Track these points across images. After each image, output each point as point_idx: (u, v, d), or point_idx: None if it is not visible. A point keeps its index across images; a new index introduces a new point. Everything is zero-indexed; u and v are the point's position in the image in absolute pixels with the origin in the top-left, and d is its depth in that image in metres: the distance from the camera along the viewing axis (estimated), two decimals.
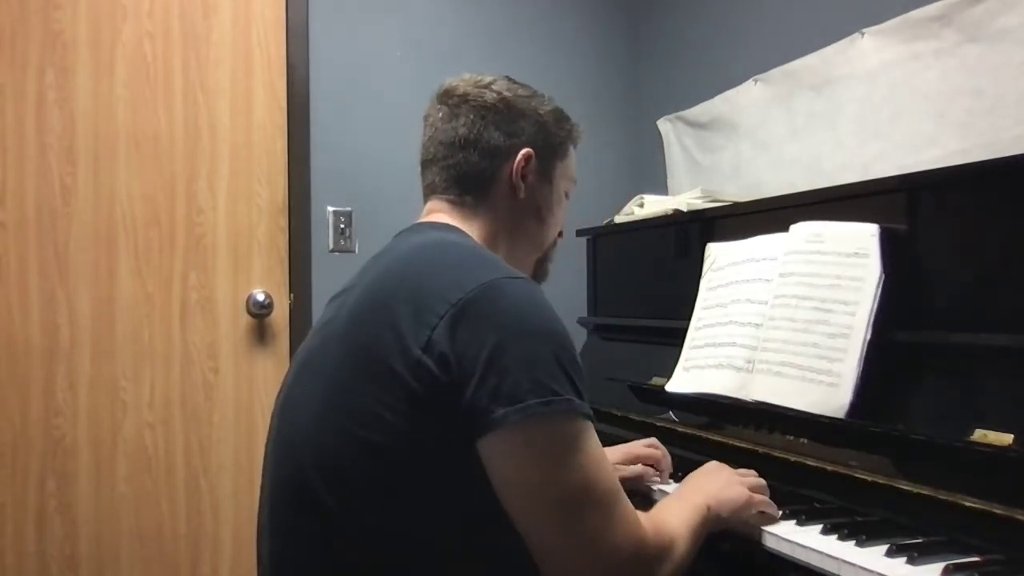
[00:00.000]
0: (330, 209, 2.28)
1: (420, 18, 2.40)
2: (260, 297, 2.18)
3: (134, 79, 2.09)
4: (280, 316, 2.22)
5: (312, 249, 2.26)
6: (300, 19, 2.25)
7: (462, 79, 1.11)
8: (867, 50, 1.77)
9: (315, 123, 2.27)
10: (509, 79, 1.12)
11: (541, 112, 1.11)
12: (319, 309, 2.20)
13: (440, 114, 1.09)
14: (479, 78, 1.11)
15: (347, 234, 2.29)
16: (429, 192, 1.11)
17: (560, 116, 1.14)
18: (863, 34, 1.77)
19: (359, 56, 2.33)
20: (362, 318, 0.93)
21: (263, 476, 1.03)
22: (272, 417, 1.05)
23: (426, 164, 1.11)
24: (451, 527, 0.88)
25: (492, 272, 0.90)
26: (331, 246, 2.28)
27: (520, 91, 1.11)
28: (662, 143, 2.52)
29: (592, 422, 0.89)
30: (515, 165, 1.07)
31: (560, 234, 1.20)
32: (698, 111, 2.34)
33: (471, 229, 1.07)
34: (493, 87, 1.09)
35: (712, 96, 2.27)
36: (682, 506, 1.00)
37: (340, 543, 0.88)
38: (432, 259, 0.95)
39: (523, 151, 1.08)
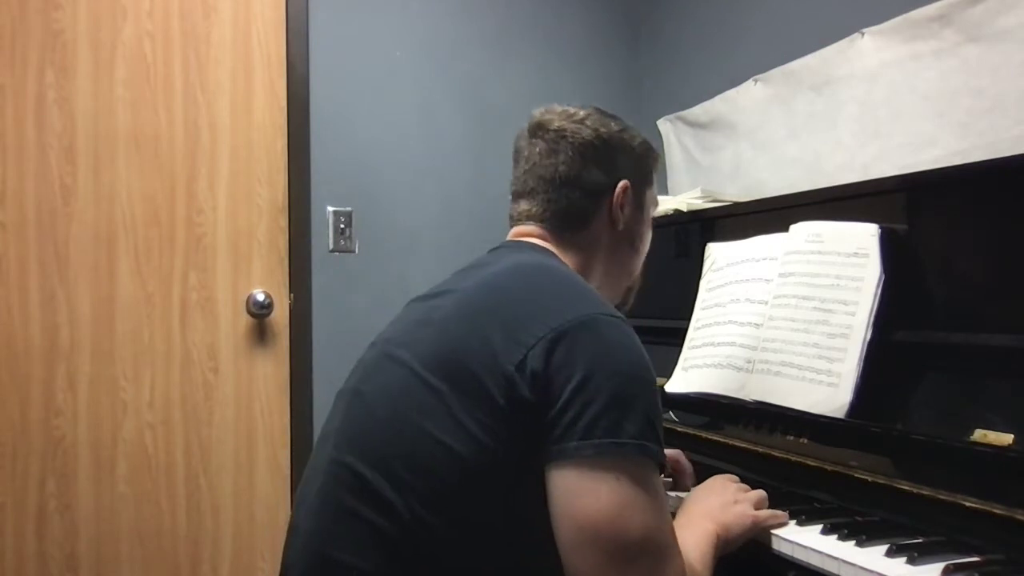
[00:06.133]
0: (330, 209, 2.28)
1: (420, 18, 2.40)
2: (260, 297, 2.18)
3: (134, 79, 2.09)
4: (280, 316, 2.22)
5: (312, 249, 2.26)
6: (300, 19, 2.25)
7: (553, 112, 1.12)
8: (867, 50, 1.77)
9: (315, 123, 2.26)
10: (599, 111, 1.14)
11: (634, 146, 1.15)
12: (319, 309, 2.24)
13: (537, 149, 1.11)
14: (572, 111, 1.12)
15: (347, 234, 2.29)
16: (523, 217, 1.12)
17: (648, 146, 1.18)
18: (863, 34, 1.77)
19: (359, 56, 2.33)
20: (455, 326, 0.94)
21: (317, 450, 1.03)
22: (339, 397, 1.05)
23: (521, 195, 1.12)
24: (504, 542, 0.88)
25: (594, 307, 0.92)
26: (331, 246, 2.28)
27: (613, 125, 1.13)
28: (662, 143, 2.52)
29: (664, 470, 0.89)
30: (615, 198, 1.11)
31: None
32: (698, 111, 2.34)
33: (566, 257, 1.08)
34: (587, 122, 1.10)
35: (712, 96, 2.27)
36: (697, 538, 0.99)
37: (392, 535, 0.87)
38: (534, 281, 0.97)
39: (621, 183, 1.11)
